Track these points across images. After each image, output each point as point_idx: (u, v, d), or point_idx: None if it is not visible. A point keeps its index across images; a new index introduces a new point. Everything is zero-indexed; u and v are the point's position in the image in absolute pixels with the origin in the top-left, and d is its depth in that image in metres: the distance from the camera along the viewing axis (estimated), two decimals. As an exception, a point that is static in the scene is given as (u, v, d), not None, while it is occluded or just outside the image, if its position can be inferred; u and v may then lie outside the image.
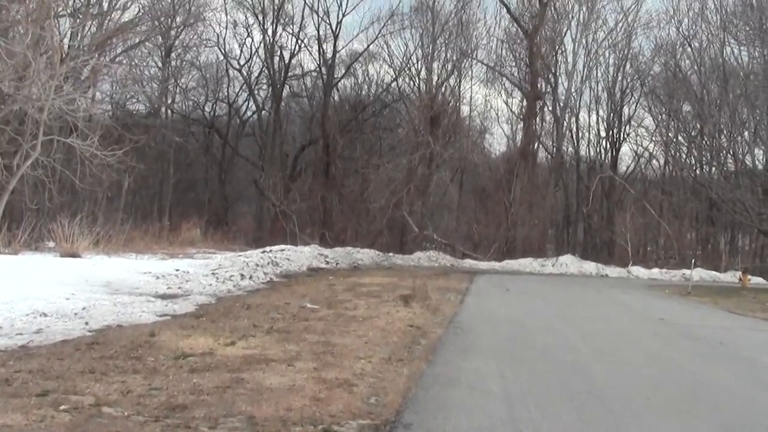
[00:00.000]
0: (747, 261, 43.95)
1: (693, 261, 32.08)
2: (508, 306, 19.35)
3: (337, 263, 32.47)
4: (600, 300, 23.83)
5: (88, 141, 24.22)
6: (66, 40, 30.57)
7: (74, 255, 24.54)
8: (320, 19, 49.08)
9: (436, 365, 10.28)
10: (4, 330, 11.31)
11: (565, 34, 49.18)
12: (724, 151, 43.14)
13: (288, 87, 52.71)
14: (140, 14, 38.45)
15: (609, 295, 25.68)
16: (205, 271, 22.44)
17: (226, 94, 52.66)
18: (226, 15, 50.54)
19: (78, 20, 31.39)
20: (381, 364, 10.06)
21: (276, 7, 48.71)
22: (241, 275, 22.37)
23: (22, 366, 8.76)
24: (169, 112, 50.16)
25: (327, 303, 16.89)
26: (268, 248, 31.88)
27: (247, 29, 50.72)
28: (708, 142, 44.70)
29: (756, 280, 36.63)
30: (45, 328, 11.66)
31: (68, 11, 31.68)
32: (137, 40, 39.10)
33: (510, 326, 15.07)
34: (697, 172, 48.20)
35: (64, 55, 25.35)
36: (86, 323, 12.38)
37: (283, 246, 32.69)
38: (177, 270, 21.65)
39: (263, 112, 52.06)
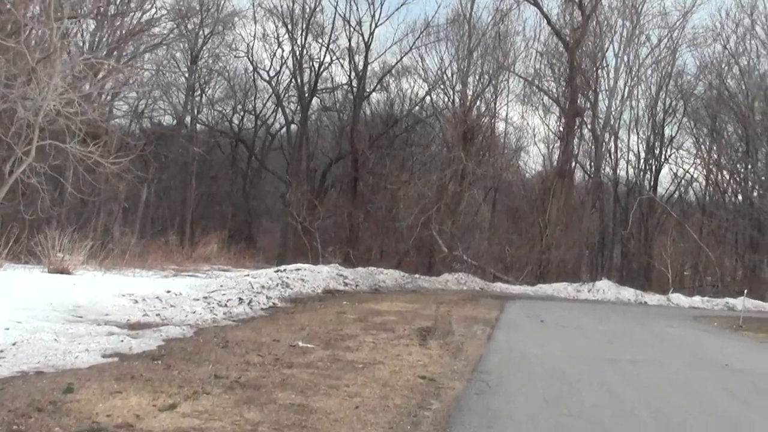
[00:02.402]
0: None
1: (745, 291, 28.66)
2: (544, 344, 15.83)
3: (356, 285, 29.14)
4: (646, 335, 20.24)
5: (91, 148, 21.23)
6: (74, 39, 28.14)
7: (63, 271, 21.87)
8: (352, 29, 46.12)
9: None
10: None
11: (607, 50, 45.82)
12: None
13: (319, 100, 49.97)
14: (158, 15, 35.59)
15: (655, 329, 22.16)
16: (199, 293, 19.22)
17: (253, 105, 49.77)
18: (255, 24, 47.46)
19: (82, 19, 28.53)
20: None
21: (307, 17, 45.77)
22: (240, 299, 19.09)
23: None
24: (195, 123, 47.33)
25: (326, 340, 13.63)
26: (282, 267, 28.83)
27: (276, 39, 47.76)
28: (753, 166, 41.07)
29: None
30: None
31: (78, 11, 28.95)
32: (156, 42, 36.16)
33: (548, 377, 11.63)
34: (739, 197, 44.85)
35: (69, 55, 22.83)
36: (-2, 367, 9.21)
37: (299, 265, 29.45)
38: (168, 291, 18.50)
39: (292, 125, 49.02)
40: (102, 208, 35.02)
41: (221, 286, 21.40)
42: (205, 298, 18.45)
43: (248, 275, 25.24)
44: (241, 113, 50.30)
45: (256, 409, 8.06)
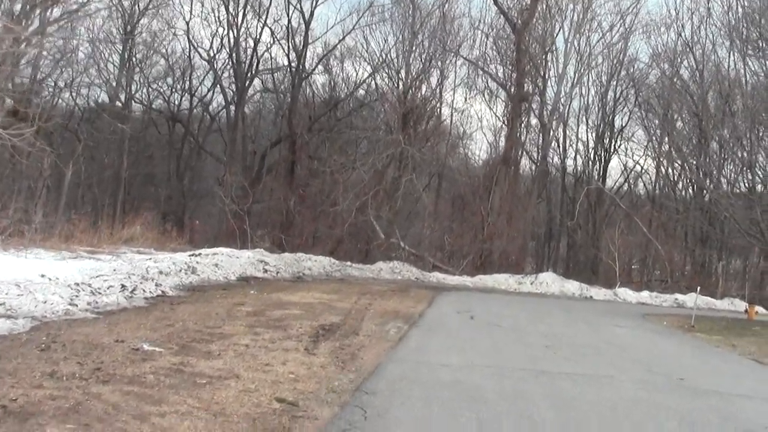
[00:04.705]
0: (741, 287, 37.93)
1: (698, 288, 25.83)
2: (466, 350, 12.55)
3: (278, 272, 25.96)
4: (591, 338, 17.07)
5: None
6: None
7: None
8: (293, 8, 42.46)
9: None
10: None
11: (557, 35, 42.87)
12: (736, 168, 36.82)
13: (261, 81, 46.33)
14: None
15: (601, 330, 19.16)
16: (81, 278, 15.96)
17: (189, 85, 46.24)
18: (192, 0, 43.73)
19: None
20: None
21: (246, -7, 42.22)
22: (122, 286, 15.86)
23: None
24: (131, 100, 43.91)
25: (188, 341, 10.58)
26: (198, 251, 25.56)
27: (217, 17, 44.02)
28: (706, 159, 38.39)
29: (761, 311, 30.66)
30: None
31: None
32: (73, 9, 32.62)
33: (454, 402, 8.44)
34: (691, 190, 42.33)
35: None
36: None
37: (218, 249, 26.33)
38: (43, 276, 15.25)
39: (231, 106, 45.41)
40: (21, 186, 31.84)
41: (114, 270, 18.23)
42: (79, 284, 15.16)
43: (151, 258, 22.08)
44: (180, 93, 46.81)
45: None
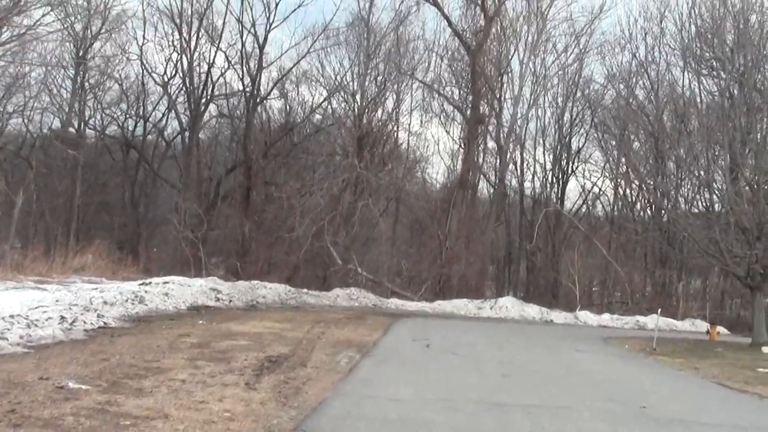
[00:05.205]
0: (702, 307, 37.72)
1: (659, 310, 25.44)
2: (418, 381, 11.80)
3: (230, 300, 25.18)
4: (550, 364, 16.47)
5: None
6: None
7: None
8: (247, 32, 41.83)
9: None
10: None
11: (512, 57, 42.63)
12: (693, 188, 36.53)
13: (216, 107, 45.66)
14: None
15: (561, 356, 18.62)
16: (18, 310, 15.11)
17: (143, 111, 45.43)
18: (145, 25, 42.94)
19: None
20: None
21: (199, 16, 41.54)
22: (61, 318, 15.06)
23: None
24: (84, 126, 43.26)
25: (119, 377, 9.85)
26: (149, 280, 24.76)
27: (171, 42, 43.17)
28: (663, 179, 38.15)
29: (723, 332, 30.62)
30: None
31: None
32: (20, 33, 31.80)
33: None
34: (649, 210, 42.09)
35: None
36: None
37: (169, 278, 25.52)
38: (-21, 308, 14.44)
39: (186, 132, 44.52)
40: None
41: (56, 301, 17.44)
42: (14, 316, 14.33)
43: (97, 288, 21.32)
44: (135, 119, 45.99)
45: None
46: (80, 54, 40.41)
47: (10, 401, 7.99)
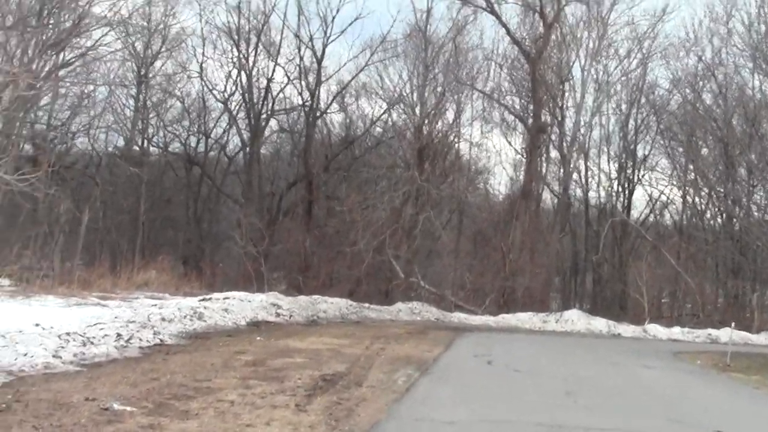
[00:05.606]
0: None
1: (732, 324, 24.51)
2: (476, 401, 11.35)
3: (291, 316, 24.86)
4: (616, 381, 15.80)
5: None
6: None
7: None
8: (305, 46, 41.92)
9: None
10: None
11: (573, 64, 41.85)
12: (767, 194, 35.50)
13: (277, 122, 45.95)
14: (90, 26, 31.54)
15: (628, 371, 17.94)
16: (76, 327, 14.97)
17: (204, 127, 45.90)
18: (204, 42, 43.22)
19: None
20: None
21: (257, 32, 41.75)
22: (118, 335, 14.92)
23: None
24: (148, 144, 44.13)
25: (167, 398, 9.59)
26: (210, 296, 24.63)
27: (231, 59, 43.47)
28: (734, 185, 37.15)
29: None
30: None
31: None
32: (81, 53, 32.17)
33: None
34: (720, 219, 40.95)
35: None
36: None
37: (230, 293, 25.30)
38: (37, 325, 14.25)
39: (247, 148, 44.71)
40: (38, 232, 31.59)
41: (115, 317, 17.29)
42: (70, 334, 14.18)
43: (156, 304, 21.14)
44: (197, 136, 46.33)
45: None
46: (142, 73, 41.08)
47: (51, 423, 7.79)
